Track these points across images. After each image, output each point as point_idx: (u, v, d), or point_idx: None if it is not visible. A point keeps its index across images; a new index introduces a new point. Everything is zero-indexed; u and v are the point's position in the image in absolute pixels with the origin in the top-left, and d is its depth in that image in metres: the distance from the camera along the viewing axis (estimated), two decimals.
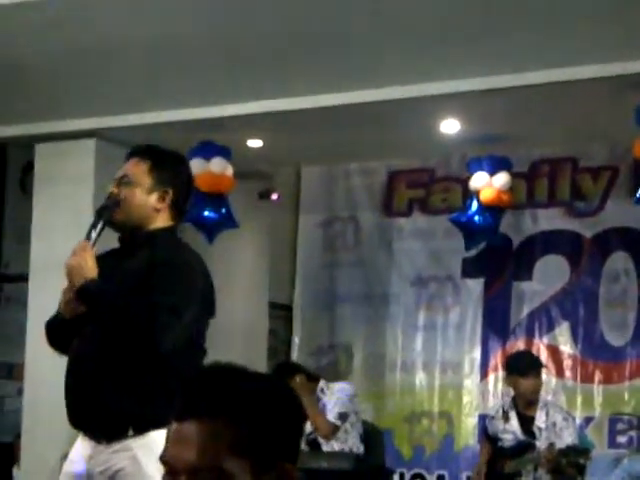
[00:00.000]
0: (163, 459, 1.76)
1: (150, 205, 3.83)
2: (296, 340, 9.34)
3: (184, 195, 3.94)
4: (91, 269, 3.74)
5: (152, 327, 3.60)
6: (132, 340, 3.68)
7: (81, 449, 3.83)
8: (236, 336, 8.71)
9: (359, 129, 7.57)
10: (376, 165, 9.09)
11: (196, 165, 7.45)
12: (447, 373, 8.82)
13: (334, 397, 7.21)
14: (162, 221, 3.86)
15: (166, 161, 3.94)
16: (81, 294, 3.75)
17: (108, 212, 3.85)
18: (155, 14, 6.20)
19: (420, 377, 8.91)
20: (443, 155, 8.67)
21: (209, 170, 7.49)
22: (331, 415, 7.14)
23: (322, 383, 7.37)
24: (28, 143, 7.99)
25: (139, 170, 3.86)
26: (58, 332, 3.95)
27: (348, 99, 6.78)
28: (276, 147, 8.04)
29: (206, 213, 7.56)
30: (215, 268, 8.59)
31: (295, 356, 9.24)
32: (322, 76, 6.67)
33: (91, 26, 6.37)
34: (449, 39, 6.03)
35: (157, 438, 3.56)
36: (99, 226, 3.84)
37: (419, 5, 5.74)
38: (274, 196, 8.91)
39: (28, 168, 8.75)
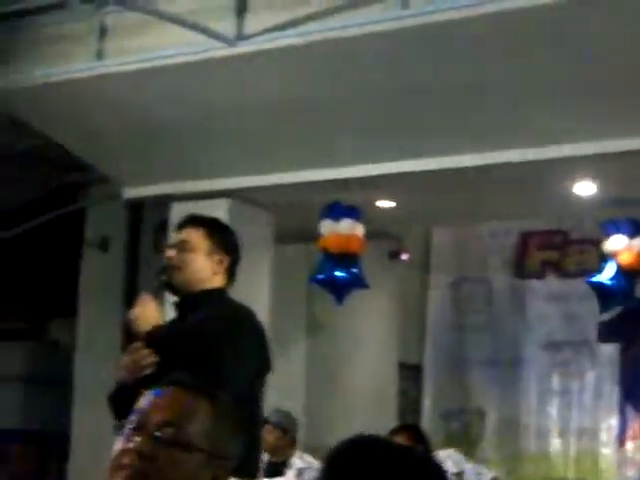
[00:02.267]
0: None
1: (209, 268, 4.01)
2: (426, 402, 9.23)
3: (237, 260, 4.13)
4: (154, 317, 3.91)
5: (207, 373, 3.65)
6: None
7: None
8: (365, 396, 8.67)
9: (492, 190, 7.50)
10: (508, 226, 8.97)
11: (326, 226, 7.50)
12: (583, 439, 8.59)
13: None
14: (215, 283, 4.03)
15: (219, 228, 4.18)
16: (150, 338, 3.87)
17: (166, 274, 4.02)
18: (288, 79, 6.30)
19: (555, 443, 8.69)
20: (576, 217, 8.51)
21: (338, 231, 7.50)
22: None
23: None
24: (163, 202, 8.14)
25: (197, 236, 4.04)
26: (121, 401, 4.00)
27: (481, 160, 6.73)
28: (407, 208, 8.01)
29: (337, 273, 7.56)
30: (344, 328, 8.77)
31: (425, 419, 9.13)
32: (455, 137, 6.65)
33: (228, 89, 6.51)
34: (593, 100, 5.95)
35: None
36: (156, 285, 4.06)
37: (565, 67, 5.69)
38: (404, 256, 8.87)
39: (162, 227, 8.89)
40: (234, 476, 3.69)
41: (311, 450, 7.89)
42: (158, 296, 4.01)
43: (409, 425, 7.79)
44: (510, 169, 6.77)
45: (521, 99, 6.14)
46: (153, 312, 3.92)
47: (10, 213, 10.27)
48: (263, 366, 3.98)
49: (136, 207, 9.64)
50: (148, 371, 3.81)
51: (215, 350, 3.73)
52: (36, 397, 10.28)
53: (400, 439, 6.82)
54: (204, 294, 3.99)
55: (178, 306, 4.10)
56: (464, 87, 6.15)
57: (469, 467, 6.61)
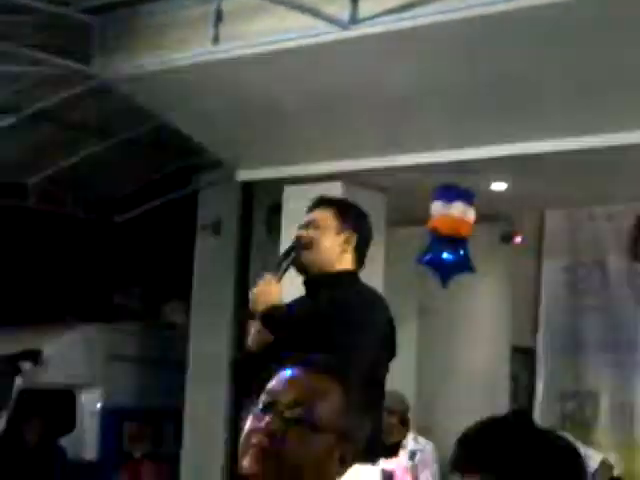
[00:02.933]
0: None
1: (337, 246, 4.02)
2: (540, 386, 9.15)
3: (366, 241, 4.13)
4: (275, 296, 3.93)
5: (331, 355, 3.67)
6: None
7: None
8: (477, 380, 8.65)
9: (605, 173, 7.39)
10: (623, 208, 8.82)
11: (437, 207, 7.48)
12: None
13: None
14: (345, 264, 4.04)
15: (350, 209, 4.18)
16: (266, 319, 3.91)
17: (295, 253, 4.03)
18: (402, 59, 6.30)
19: None
20: None
21: (450, 213, 7.47)
22: None
23: None
24: (276, 185, 8.22)
25: (326, 215, 4.06)
26: (246, 369, 4.08)
27: (592, 143, 6.64)
28: (520, 190, 7.95)
29: (444, 255, 7.54)
30: (456, 311, 8.74)
31: (539, 402, 9.05)
32: (569, 119, 6.57)
33: (343, 73, 6.53)
34: None
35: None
36: (284, 265, 4.03)
37: None
38: (517, 239, 8.80)
39: (274, 209, 8.98)
40: (358, 459, 3.74)
41: (422, 432, 7.92)
42: (281, 278, 4.03)
43: (519, 411, 7.74)
44: (623, 151, 6.67)
45: (634, 79, 6.03)
46: (275, 292, 3.95)
47: (126, 197, 10.49)
48: (390, 351, 3.99)
49: (248, 190, 9.75)
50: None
51: (345, 332, 3.76)
52: (151, 376, 10.49)
53: None
54: (336, 275, 4.01)
55: (307, 285, 4.11)
56: (579, 69, 6.08)
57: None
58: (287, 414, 2.08)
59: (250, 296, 3.99)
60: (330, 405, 2.10)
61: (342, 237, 4.04)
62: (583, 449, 6.53)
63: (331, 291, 3.96)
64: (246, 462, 2.07)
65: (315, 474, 2.08)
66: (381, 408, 4.08)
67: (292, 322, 3.90)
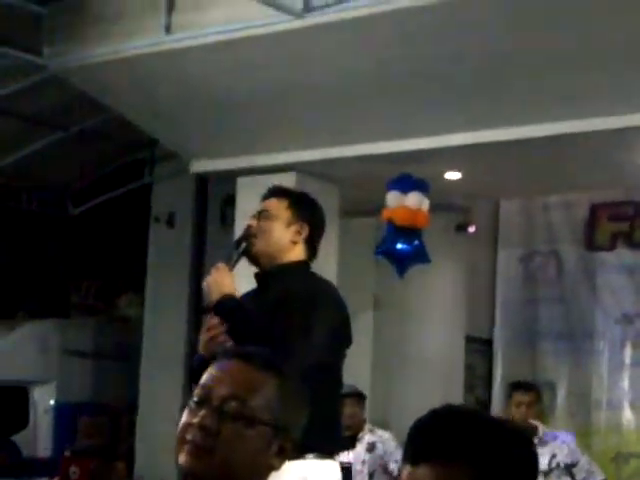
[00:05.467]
0: None
1: (287, 238, 3.99)
2: (497, 376, 9.18)
3: (318, 233, 4.10)
4: (228, 286, 3.87)
5: (284, 346, 3.64)
6: None
7: None
8: (432, 369, 8.65)
9: (559, 161, 7.41)
10: (577, 198, 8.87)
11: (393, 198, 7.45)
12: None
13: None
14: (296, 255, 4.00)
15: (303, 200, 4.13)
16: (218, 308, 3.86)
17: (246, 242, 4.00)
18: (352, 51, 6.27)
19: (627, 416, 8.60)
20: None
21: (405, 204, 7.45)
22: None
23: None
24: (229, 177, 8.17)
25: (278, 205, 4.02)
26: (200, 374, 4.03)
27: (548, 131, 6.65)
28: (475, 180, 7.96)
29: (400, 246, 7.52)
30: (411, 301, 8.73)
31: (496, 391, 9.09)
32: (521, 108, 6.58)
33: (296, 62, 6.49)
34: None
35: (292, 468, 3.62)
36: (235, 255, 4.00)
37: (629, 37, 5.60)
38: (471, 229, 8.82)
39: (228, 201, 8.93)
40: (313, 452, 3.69)
41: (377, 423, 7.90)
42: (234, 267, 4.00)
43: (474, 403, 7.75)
44: (579, 139, 6.69)
45: (589, 69, 6.05)
46: (228, 281, 3.89)
47: (79, 190, 10.39)
48: (345, 341, 3.95)
49: (202, 183, 9.70)
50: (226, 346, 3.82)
51: (296, 322, 3.71)
52: (106, 371, 10.41)
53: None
54: (287, 267, 3.98)
55: (258, 278, 4.09)
56: (532, 58, 6.08)
57: (584, 460, 6.49)
58: (221, 409, 2.03)
59: (203, 286, 3.96)
60: (264, 398, 2.06)
61: (293, 228, 4.00)
62: (588, 461, 6.48)
63: (281, 282, 3.93)
64: (182, 459, 2.03)
65: (251, 468, 2.04)
66: (336, 399, 4.05)
67: (244, 311, 3.87)
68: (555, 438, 6.54)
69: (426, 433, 1.71)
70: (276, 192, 4.14)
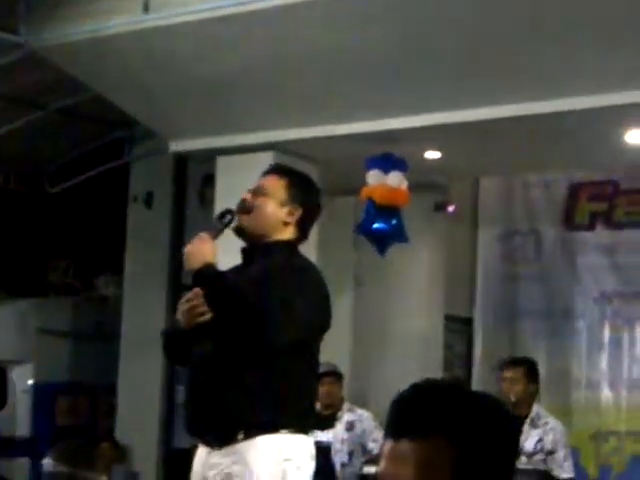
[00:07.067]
0: (381, 477, 1.74)
1: (280, 217, 3.99)
2: (477, 355, 9.21)
3: (311, 217, 4.10)
4: (209, 254, 3.85)
5: (264, 317, 3.68)
6: (244, 331, 3.74)
7: (199, 455, 3.96)
8: (411, 347, 8.66)
9: (539, 140, 7.41)
10: (557, 177, 8.89)
11: (374, 177, 7.44)
12: (634, 391, 8.53)
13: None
14: (286, 236, 4.01)
15: (302, 182, 4.13)
16: (198, 277, 3.84)
17: (231, 215, 3.99)
18: (331, 29, 6.24)
19: (606, 395, 8.66)
20: (628, 167, 8.39)
21: (386, 183, 7.45)
22: None
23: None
24: (208, 156, 8.14)
25: (276, 184, 4.03)
26: (175, 343, 4.07)
27: (527, 110, 6.65)
28: (454, 158, 7.95)
29: (376, 225, 7.51)
30: (391, 280, 8.74)
31: (476, 370, 9.12)
32: (500, 87, 6.57)
33: (269, 42, 6.46)
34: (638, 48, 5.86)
35: (266, 443, 3.73)
36: (219, 225, 3.98)
37: (608, 13, 5.60)
38: (450, 208, 8.82)
39: (207, 181, 8.90)
40: (287, 428, 3.73)
41: (356, 402, 7.92)
42: (216, 237, 3.95)
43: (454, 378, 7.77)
44: (559, 118, 6.69)
45: (570, 47, 6.05)
46: (209, 250, 3.87)
47: (57, 169, 10.32)
48: (325, 321, 3.96)
49: (181, 162, 9.66)
50: (205, 318, 3.81)
51: (281, 298, 3.73)
52: (84, 351, 10.38)
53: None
54: (274, 244, 3.98)
55: (245, 252, 4.08)
56: (509, 34, 6.07)
57: (561, 454, 6.50)
58: None
59: (184, 254, 3.92)
60: None
61: (287, 209, 4.00)
62: (563, 459, 6.49)
63: (267, 258, 3.93)
64: None
65: None
66: (312, 376, 4.06)
67: (224, 280, 3.84)
68: (546, 423, 6.58)
69: (407, 407, 1.72)
70: (278, 170, 4.17)
